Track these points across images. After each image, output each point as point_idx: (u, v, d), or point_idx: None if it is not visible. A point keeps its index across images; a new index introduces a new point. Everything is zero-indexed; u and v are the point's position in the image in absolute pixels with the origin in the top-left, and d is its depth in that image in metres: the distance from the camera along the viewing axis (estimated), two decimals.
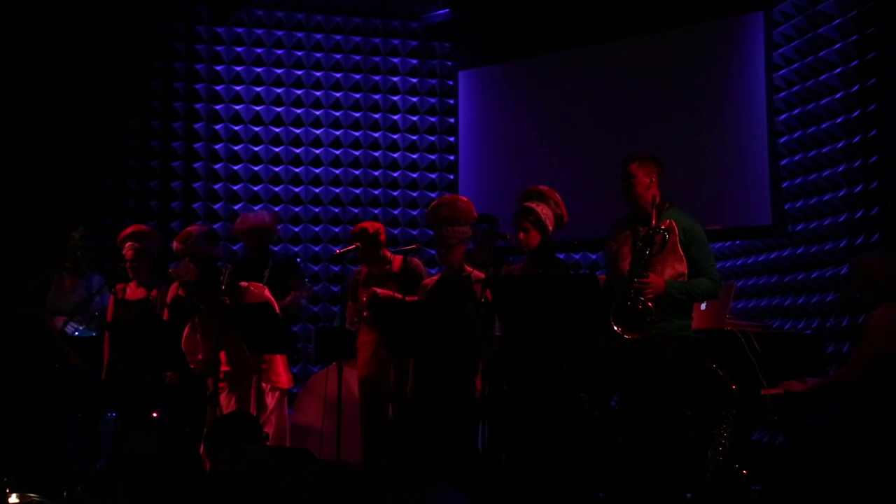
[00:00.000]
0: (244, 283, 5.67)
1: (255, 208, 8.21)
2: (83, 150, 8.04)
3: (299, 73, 8.45)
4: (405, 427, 4.89)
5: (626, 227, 4.76)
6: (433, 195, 8.36)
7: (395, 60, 8.60)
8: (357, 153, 8.51)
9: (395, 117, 8.58)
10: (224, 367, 5.58)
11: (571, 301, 4.32)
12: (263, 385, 5.50)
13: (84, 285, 6.66)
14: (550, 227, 5.03)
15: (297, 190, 8.39)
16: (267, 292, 5.67)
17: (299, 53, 8.46)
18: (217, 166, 8.29)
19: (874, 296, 4.76)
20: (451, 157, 8.59)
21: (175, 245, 5.95)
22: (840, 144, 6.31)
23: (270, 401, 5.58)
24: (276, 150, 8.38)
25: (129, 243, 6.18)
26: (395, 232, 8.43)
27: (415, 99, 8.62)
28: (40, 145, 7.86)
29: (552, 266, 4.98)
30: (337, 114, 8.48)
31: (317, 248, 8.34)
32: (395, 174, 8.56)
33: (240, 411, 5.36)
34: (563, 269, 5.09)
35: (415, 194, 8.58)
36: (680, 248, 4.60)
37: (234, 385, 5.60)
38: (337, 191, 8.44)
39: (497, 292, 4.59)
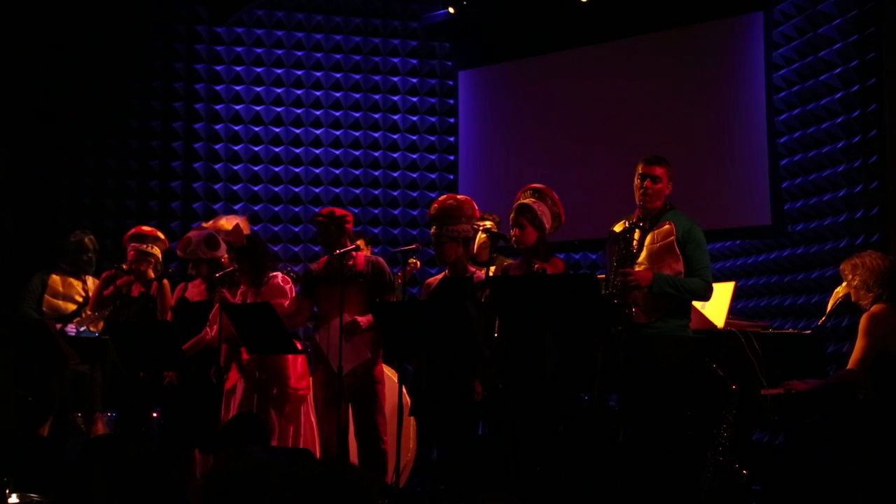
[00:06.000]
0: (272, 273, 5.69)
1: (256, 208, 8.23)
2: (83, 150, 8.05)
3: (299, 73, 8.45)
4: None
5: (628, 229, 4.77)
6: (433, 195, 8.35)
7: (395, 60, 8.60)
8: (357, 153, 8.51)
9: (395, 117, 8.58)
10: (246, 357, 5.56)
11: (571, 301, 4.32)
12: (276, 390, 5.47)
13: (80, 287, 6.65)
14: (547, 226, 5.02)
15: (297, 190, 8.39)
16: (289, 287, 5.67)
17: (299, 53, 8.46)
18: (217, 166, 8.29)
19: (871, 294, 4.74)
20: (451, 157, 8.60)
21: (179, 252, 5.98)
22: (840, 144, 6.31)
23: (284, 403, 5.52)
24: (276, 150, 8.38)
25: (132, 244, 6.18)
26: (395, 232, 8.43)
27: (415, 99, 8.62)
28: (41, 146, 7.87)
29: (549, 264, 4.97)
30: (337, 114, 8.49)
31: (317, 249, 8.34)
32: (395, 174, 8.56)
33: (245, 413, 5.34)
34: (561, 266, 5.07)
35: (415, 194, 8.58)
36: (677, 248, 4.62)
37: (251, 382, 5.56)
38: (337, 191, 8.45)
39: (497, 292, 4.59)
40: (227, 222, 6.17)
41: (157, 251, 6.24)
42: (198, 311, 5.85)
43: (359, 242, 6.65)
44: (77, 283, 6.66)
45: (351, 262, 5.47)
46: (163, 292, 6.14)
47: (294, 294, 5.67)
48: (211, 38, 8.32)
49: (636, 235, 4.58)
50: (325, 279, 5.51)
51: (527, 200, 5.04)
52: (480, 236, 5.53)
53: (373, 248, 6.96)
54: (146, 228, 6.33)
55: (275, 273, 5.71)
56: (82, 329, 6.36)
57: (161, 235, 6.35)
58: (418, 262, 6.90)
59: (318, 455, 5.42)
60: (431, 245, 5.38)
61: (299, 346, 5.39)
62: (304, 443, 5.56)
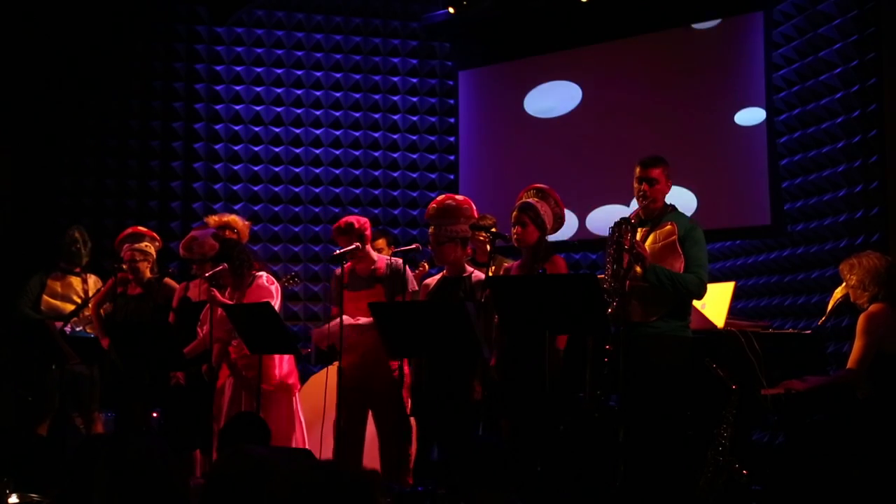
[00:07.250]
0: (256, 272, 5.69)
1: (256, 208, 8.23)
2: (83, 150, 8.05)
3: (299, 73, 8.45)
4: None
5: (628, 229, 4.77)
6: (433, 195, 8.33)
7: (395, 60, 8.60)
8: (357, 153, 8.51)
9: (395, 117, 8.58)
10: (234, 356, 5.58)
11: (571, 301, 4.32)
12: (264, 386, 5.49)
13: (80, 286, 6.65)
14: (549, 225, 5.03)
15: (297, 190, 8.39)
16: (275, 287, 5.68)
17: (299, 53, 8.46)
18: (217, 166, 8.29)
19: (869, 294, 4.74)
20: (451, 157, 8.60)
21: (182, 252, 5.97)
22: (840, 144, 6.31)
23: (272, 401, 5.56)
24: (276, 150, 8.38)
25: (126, 244, 6.19)
26: (395, 232, 8.43)
27: (415, 99, 8.62)
28: (41, 146, 7.87)
29: (549, 262, 4.97)
30: (337, 114, 8.49)
31: (317, 248, 8.35)
32: (395, 174, 8.56)
33: (245, 412, 5.35)
34: (562, 265, 5.07)
35: (415, 194, 8.58)
36: (678, 247, 4.64)
37: (240, 380, 5.59)
38: (337, 191, 8.45)
39: (497, 292, 4.59)
40: (238, 219, 6.23)
41: (152, 250, 6.25)
42: (201, 310, 5.84)
43: (379, 242, 6.67)
44: (76, 283, 6.65)
45: (373, 267, 5.51)
46: (166, 291, 6.15)
47: (276, 292, 5.68)
48: (211, 38, 8.32)
49: (626, 233, 4.58)
50: (348, 284, 5.57)
51: (530, 199, 5.05)
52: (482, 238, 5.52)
53: (395, 248, 6.95)
54: (140, 228, 6.35)
55: (259, 273, 5.72)
56: (78, 329, 6.36)
57: (155, 235, 6.36)
58: (427, 265, 6.88)
59: (313, 452, 5.44)
60: (429, 245, 5.39)
61: None
62: (295, 439, 5.60)
